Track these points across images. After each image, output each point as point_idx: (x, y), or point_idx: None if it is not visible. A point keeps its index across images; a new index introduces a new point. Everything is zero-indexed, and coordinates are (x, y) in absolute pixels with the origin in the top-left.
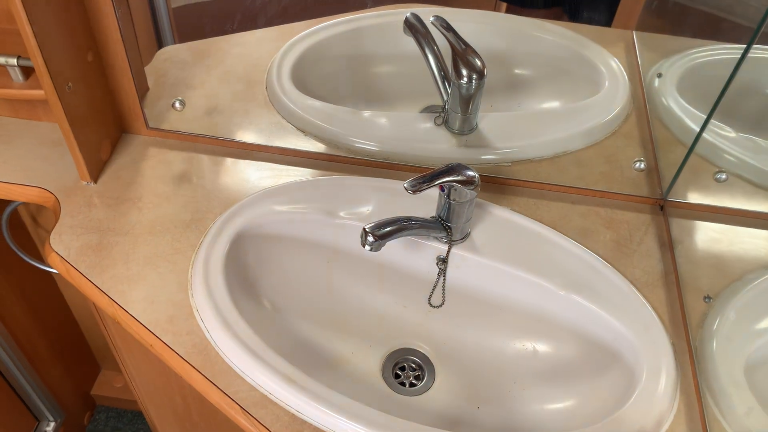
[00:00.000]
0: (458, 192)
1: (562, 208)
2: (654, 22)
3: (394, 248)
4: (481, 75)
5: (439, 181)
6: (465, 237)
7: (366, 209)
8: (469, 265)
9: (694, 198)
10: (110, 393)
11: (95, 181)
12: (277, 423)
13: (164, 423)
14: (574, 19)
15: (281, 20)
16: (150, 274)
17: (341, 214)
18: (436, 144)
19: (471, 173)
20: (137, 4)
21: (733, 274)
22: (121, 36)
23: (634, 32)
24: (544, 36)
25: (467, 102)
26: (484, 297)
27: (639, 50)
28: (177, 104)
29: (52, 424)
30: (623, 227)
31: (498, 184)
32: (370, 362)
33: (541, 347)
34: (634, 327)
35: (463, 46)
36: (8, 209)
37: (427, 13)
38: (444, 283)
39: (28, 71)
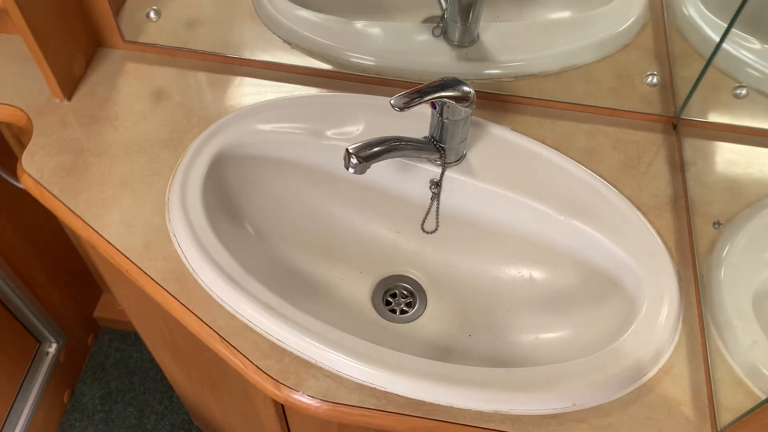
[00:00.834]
0: (451, 109)
1: (566, 128)
2: None
3: (385, 171)
4: None
5: (429, 97)
6: (460, 159)
7: (356, 129)
8: (464, 189)
9: (711, 116)
10: (113, 315)
11: (69, 99)
12: (257, 352)
13: (155, 346)
14: None
15: None
16: (126, 196)
17: (329, 134)
18: (434, 57)
19: (465, 88)
20: None
21: (748, 198)
22: None
23: None
24: None
25: (467, 10)
26: (480, 222)
27: None
28: (152, 14)
29: (54, 345)
30: (632, 148)
31: (499, 101)
32: (359, 289)
33: (538, 274)
34: (637, 254)
35: None
36: None
37: None
38: (438, 208)
39: None
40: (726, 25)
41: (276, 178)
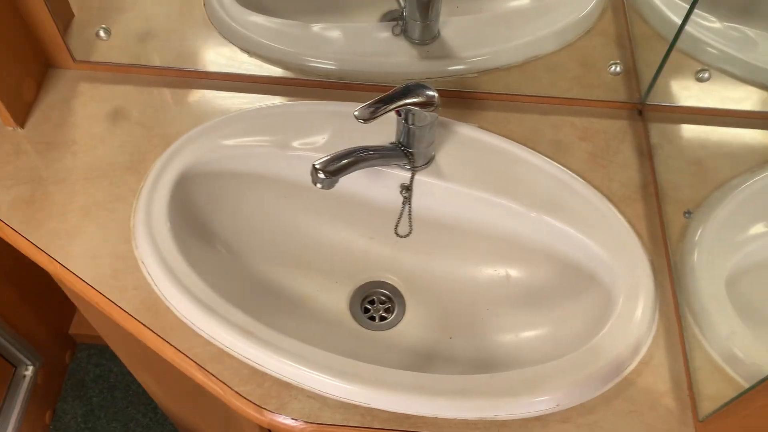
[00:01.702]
0: (417, 116)
1: (533, 121)
2: None
3: (355, 178)
4: None
5: (393, 106)
6: (429, 162)
7: (321, 138)
8: (434, 192)
9: (676, 100)
10: (89, 330)
11: (22, 126)
12: (236, 377)
13: (135, 369)
14: None
15: None
16: (89, 225)
17: (294, 144)
18: (395, 57)
19: (430, 93)
20: None
21: (717, 180)
22: None
23: None
24: None
25: (426, 7)
26: (453, 223)
27: None
28: (101, 33)
29: (31, 367)
30: (599, 137)
31: (464, 98)
32: (336, 299)
33: (514, 272)
34: (610, 246)
35: None
36: None
37: None
38: (410, 211)
39: None
40: (686, 5)
41: (243, 193)
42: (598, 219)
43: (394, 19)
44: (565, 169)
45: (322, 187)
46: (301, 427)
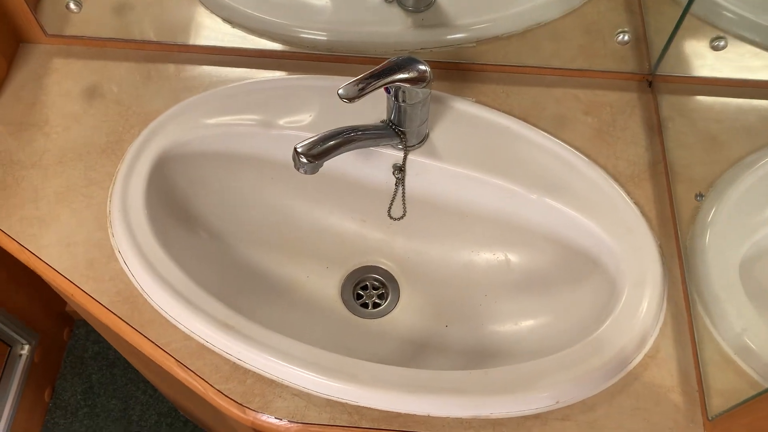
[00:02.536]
0: (408, 93)
1: (535, 94)
2: None
3: (345, 158)
4: None
5: (381, 83)
6: (423, 140)
7: (308, 115)
8: (428, 172)
9: (689, 70)
10: None
11: None
12: (217, 374)
13: (126, 355)
14: None
15: None
16: (63, 212)
17: (280, 122)
18: (388, 26)
19: (421, 67)
20: None
21: (732, 157)
22: None
23: None
24: None
25: None
26: (449, 205)
27: None
28: (71, 5)
29: (27, 347)
30: (605, 111)
31: (461, 70)
32: (327, 285)
33: (513, 257)
34: (615, 230)
35: None
36: None
37: None
38: (403, 193)
39: None
40: None
41: (226, 175)
42: (603, 200)
43: None
44: (568, 146)
45: (306, 173)
46: (286, 426)
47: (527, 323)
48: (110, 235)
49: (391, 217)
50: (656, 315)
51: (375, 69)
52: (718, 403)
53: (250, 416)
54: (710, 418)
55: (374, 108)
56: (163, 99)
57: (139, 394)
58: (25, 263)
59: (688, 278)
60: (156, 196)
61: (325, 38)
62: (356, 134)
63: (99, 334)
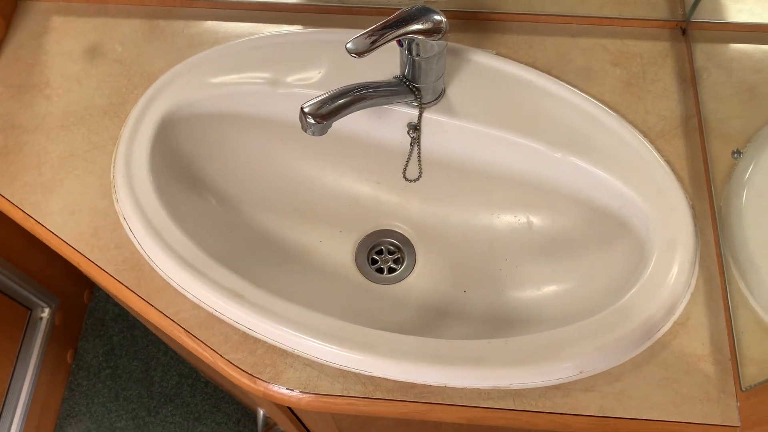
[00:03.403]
0: (422, 45)
1: (560, 45)
2: None
3: (357, 117)
4: None
5: (392, 36)
6: (439, 97)
7: (317, 72)
8: (445, 131)
9: (726, 16)
10: None
11: None
12: (227, 344)
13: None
14: None
15: None
16: (66, 177)
17: (289, 80)
18: None
19: (437, 17)
20: None
21: None
22: None
23: None
24: None
25: None
26: (468, 166)
27: None
28: None
29: (47, 309)
30: (635, 62)
31: (479, 20)
32: (341, 250)
33: (536, 219)
34: (645, 190)
35: None
36: None
37: None
38: (419, 153)
39: None
40: None
41: (235, 136)
42: (632, 158)
43: None
44: (594, 100)
45: (314, 134)
46: (298, 397)
47: (550, 289)
48: (115, 201)
49: (406, 179)
50: (687, 280)
51: (386, 20)
52: (752, 373)
53: (261, 387)
54: (744, 389)
55: (387, 63)
56: (167, 57)
57: (160, 355)
58: (30, 231)
59: (722, 241)
60: (161, 160)
61: None
62: (367, 92)
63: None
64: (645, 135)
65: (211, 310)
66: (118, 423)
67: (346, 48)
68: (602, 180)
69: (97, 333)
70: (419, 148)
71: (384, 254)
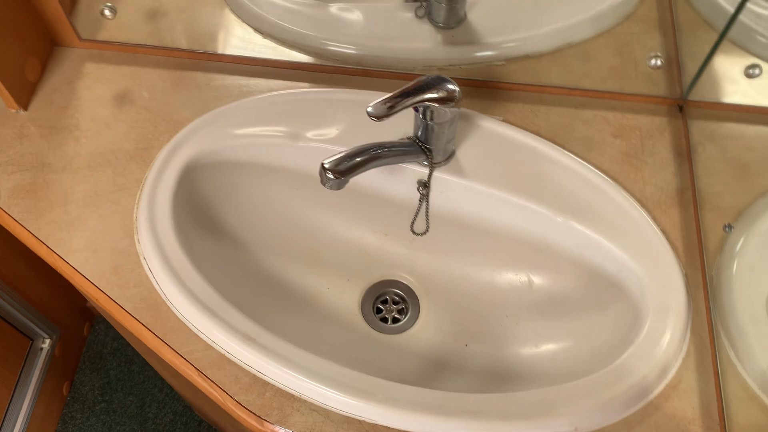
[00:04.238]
0: (436, 112)
1: (563, 115)
2: None
3: (371, 172)
4: None
5: (410, 102)
6: (449, 158)
7: (336, 129)
8: (453, 190)
9: (721, 96)
10: None
11: (25, 108)
12: (237, 385)
13: (144, 355)
14: None
15: None
16: (91, 216)
17: (308, 135)
18: (418, 42)
19: (451, 87)
20: None
21: (763, 187)
22: None
23: None
24: None
25: None
26: (473, 224)
27: None
28: (106, 11)
29: (48, 340)
30: (634, 135)
31: (489, 88)
32: (348, 298)
33: (536, 279)
34: (641, 256)
35: None
36: None
37: None
38: (427, 209)
39: None
40: None
41: (253, 184)
42: (630, 226)
43: (417, 0)
44: (595, 169)
45: (332, 188)
46: None
47: (548, 347)
48: (136, 242)
49: (414, 233)
50: (679, 345)
51: (404, 88)
52: None
53: (268, 429)
54: None
55: (400, 121)
56: (193, 107)
57: (155, 392)
58: (53, 266)
59: (713, 310)
60: (183, 204)
61: (355, 52)
62: (383, 151)
63: (118, 331)
64: (642, 204)
65: (223, 352)
66: None
67: (367, 112)
68: (601, 245)
69: (95, 366)
70: (428, 204)
71: (389, 304)
